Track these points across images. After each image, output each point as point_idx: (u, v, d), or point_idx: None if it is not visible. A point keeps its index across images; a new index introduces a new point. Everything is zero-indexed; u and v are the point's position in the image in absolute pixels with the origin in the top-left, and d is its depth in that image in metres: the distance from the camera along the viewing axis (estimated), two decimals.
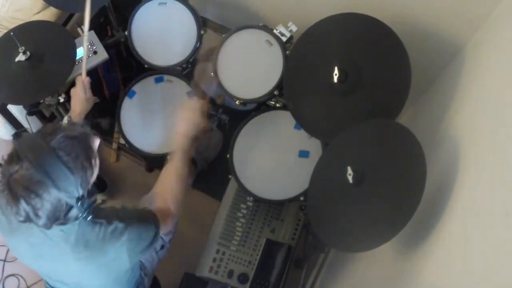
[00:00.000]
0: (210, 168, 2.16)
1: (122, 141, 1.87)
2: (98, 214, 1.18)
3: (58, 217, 1.04)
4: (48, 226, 1.05)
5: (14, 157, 1.01)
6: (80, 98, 1.50)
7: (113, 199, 2.24)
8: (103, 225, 1.17)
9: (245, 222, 1.76)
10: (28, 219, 1.02)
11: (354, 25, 1.43)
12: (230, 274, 1.69)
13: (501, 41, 1.19)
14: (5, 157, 1.03)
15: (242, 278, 1.67)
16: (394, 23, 1.35)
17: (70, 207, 1.05)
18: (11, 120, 1.99)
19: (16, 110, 2.01)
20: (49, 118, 2.20)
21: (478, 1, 1.32)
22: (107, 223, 1.18)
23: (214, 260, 1.71)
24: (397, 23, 1.36)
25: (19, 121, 2.04)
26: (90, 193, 1.11)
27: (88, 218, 1.13)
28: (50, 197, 1.00)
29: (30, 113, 1.98)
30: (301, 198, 1.63)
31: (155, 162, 2.20)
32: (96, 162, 1.11)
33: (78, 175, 1.03)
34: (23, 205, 1.00)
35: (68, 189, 1.02)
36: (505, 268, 0.75)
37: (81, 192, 1.05)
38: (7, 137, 2.11)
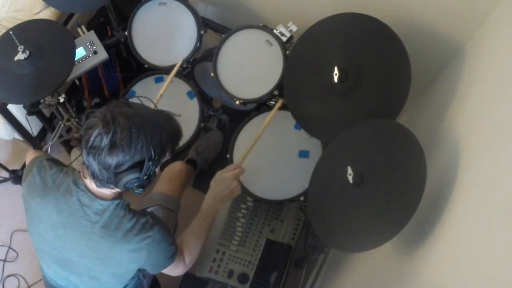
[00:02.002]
0: (210, 168, 2.16)
1: None
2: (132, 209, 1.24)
3: (124, 163, 1.09)
4: (108, 177, 1.11)
5: (123, 103, 1.12)
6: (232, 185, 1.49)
7: None
8: (136, 215, 1.22)
9: (245, 222, 1.76)
10: (100, 151, 1.07)
11: (354, 25, 1.43)
12: (230, 274, 1.69)
13: (501, 41, 1.19)
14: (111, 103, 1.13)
15: (242, 278, 1.67)
16: (394, 23, 1.35)
17: (140, 163, 1.11)
18: (11, 120, 1.99)
19: (16, 110, 2.01)
20: (49, 118, 2.20)
21: (478, 1, 1.32)
22: (141, 215, 1.23)
23: (214, 260, 1.71)
24: (397, 23, 1.36)
25: (19, 121, 2.04)
26: (154, 174, 1.18)
27: (127, 202, 1.21)
28: (136, 140, 1.08)
29: (30, 113, 1.97)
30: (301, 198, 1.63)
31: None
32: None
33: (166, 142, 1.16)
34: (115, 129, 1.06)
35: (154, 145, 1.11)
36: (505, 268, 0.75)
37: (156, 157, 1.13)
38: (7, 137, 2.11)
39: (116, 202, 1.20)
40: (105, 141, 1.06)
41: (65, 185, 1.20)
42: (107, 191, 1.19)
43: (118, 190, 1.19)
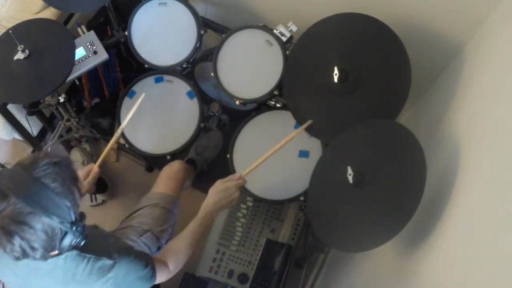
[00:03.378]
0: (210, 168, 2.16)
1: (122, 141, 1.86)
2: (86, 249, 1.15)
3: (54, 246, 1.02)
4: (45, 257, 1.02)
5: None
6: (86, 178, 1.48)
7: (113, 199, 2.24)
8: (91, 260, 1.15)
9: (245, 222, 1.76)
10: (24, 255, 0.98)
11: (354, 25, 1.43)
12: (230, 274, 1.69)
13: (501, 41, 1.19)
14: None
15: (242, 278, 1.67)
16: (394, 23, 1.35)
17: (65, 233, 1.02)
18: (11, 120, 1.99)
19: (16, 110, 2.01)
20: (49, 118, 2.20)
21: (478, 1, 1.32)
22: (95, 259, 1.16)
23: (214, 260, 1.71)
24: (397, 23, 1.36)
25: (19, 121, 2.04)
26: (81, 217, 1.08)
27: (75, 252, 1.11)
28: (44, 226, 0.97)
29: (30, 113, 1.98)
30: (301, 198, 1.63)
31: (155, 162, 2.20)
32: (82, 185, 1.10)
33: (68, 199, 1.00)
34: (17, 240, 0.96)
35: (60, 215, 0.99)
36: (505, 267, 0.75)
37: (73, 216, 1.02)
38: (7, 137, 2.11)
39: (63, 256, 1.11)
40: (20, 250, 0.97)
41: None
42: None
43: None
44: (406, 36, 1.34)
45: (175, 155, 1.81)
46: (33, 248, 0.98)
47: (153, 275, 1.26)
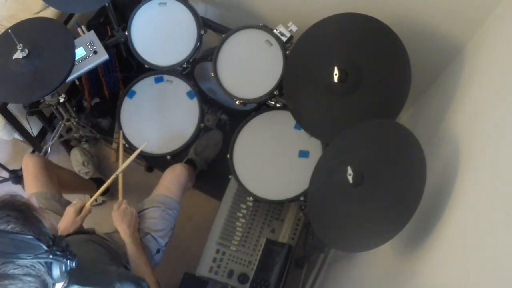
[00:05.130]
0: (210, 168, 2.16)
1: (122, 141, 1.86)
2: (86, 281, 1.11)
3: (44, 281, 0.94)
4: None
5: None
6: (70, 217, 1.49)
7: (114, 199, 2.24)
8: None
9: (245, 222, 1.76)
10: None
11: (354, 25, 1.43)
12: (230, 274, 1.69)
13: (501, 41, 1.19)
14: None
15: (242, 278, 1.67)
16: (394, 23, 1.35)
17: (49, 264, 0.95)
18: (11, 120, 1.99)
19: (16, 110, 2.01)
20: (49, 118, 2.20)
21: (478, 1, 1.32)
22: None
23: (214, 260, 1.71)
24: (397, 23, 1.36)
25: (19, 121, 2.04)
26: (57, 240, 0.99)
27: (77, 287, 1.07)
28: (24, 270, 0.90)
29: (30, 113, 1.98)
30: (301, 198, 1.63)
31: (155, 162, 2.20)
32: (42, 214, 0.99)
33: (30, 233, 0.93)
34: None
35: (32, 250, 0.91)
36: (505, 268, 0.75)
37: (44, 245, 0.94)
38: (7, 137, 2.11)
39: None
40: None
41: None
42: None
43: None
44: (406, 36, 1.34)
45: (175, 155, 1.81)
46: None
47: None
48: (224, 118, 2.24)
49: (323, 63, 1.41)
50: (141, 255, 1.50)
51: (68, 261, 0.98)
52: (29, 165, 1.69)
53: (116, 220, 1.53)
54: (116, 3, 1.96)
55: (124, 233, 1.51)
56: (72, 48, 1.55)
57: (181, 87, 1.88)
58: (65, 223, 1.49)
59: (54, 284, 0.97)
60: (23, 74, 1.49)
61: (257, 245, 1.72)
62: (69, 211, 1.50)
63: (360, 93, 1.36)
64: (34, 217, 0.96)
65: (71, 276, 1.00)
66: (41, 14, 1.96)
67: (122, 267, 1.46)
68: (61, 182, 1.77)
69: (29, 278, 0.90)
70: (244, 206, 1.78)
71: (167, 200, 1.66)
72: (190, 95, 1.87)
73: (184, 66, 1.85)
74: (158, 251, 1.59)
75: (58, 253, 0.95)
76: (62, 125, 2.00)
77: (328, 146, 1.40)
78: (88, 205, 1.55)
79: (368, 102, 1.37)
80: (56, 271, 0.95)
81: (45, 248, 0.93)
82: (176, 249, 1.71)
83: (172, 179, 1.73)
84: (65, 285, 1.04)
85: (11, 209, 0.93)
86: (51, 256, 0.93)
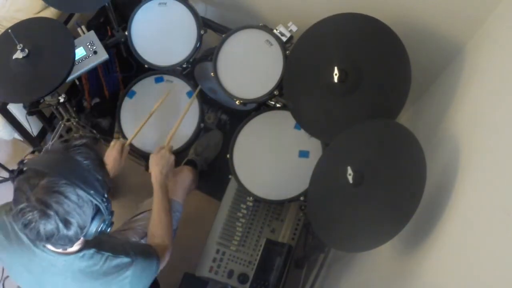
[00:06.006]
0: (210, 168, 2.16)
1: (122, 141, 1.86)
2: (103, 247, 1.17)
3: (86, 222, 1.02)
4: (76, 237, 1.02)
5: (31, 174, 0.98)
6: (115, 158, 1.56)
7: (113, 199, 2.24)
8: (108, 258, 1.17)
9: (245, 222, 1.76)
10: (57, 231, 0.98)
11: (354, 25, 1.43)
12: (230, 274, 1.69)
13: (501, 41, 1.19)
14: (19, 181, 0.99)
15: (242, 278, 1.67)
16: (394, 23, 1.35)
17: (96, 211, 1.04)
18: (11, 120, 1.99)
19: (16, 110, 2.01)
20: (49, 118, 2.20)
21: (478, 1, 1.32)
22: (112, 256, 1.18)
23: (214, 260, 1.71)
24: (397, 23, 1.36)
25: (19, 121, 2.04)
26: (110, 202, 1.09)
27: (93, 250, 1.14)
28: (78, 199, 0.99)
29: (30, 113, 1.97)
30: (301, 198, 1.63)
31: None
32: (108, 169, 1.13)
33: (99, 175, 1.04)
34: (53, 211, 0.96)
35: (93, 188, 1.01)
36: (505, 268, 0.75)
37: (105, 192, 1.05)
38: (7, 137, 2.11)
39: (81, 254, 1.13)
40: (55, 226, 0.97)
41: (26, 246, 1.14)
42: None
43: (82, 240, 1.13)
44: (406, 36, 1.34)
45: (175, 155, 1.81)
46: (67, 223, 0.98)
47: (158, 265, 1.31)
48: (224, 118, 2.24)
49: (323, 63, 1.41)
50: (165, 204, 1.49)
51: (107, 223, 1.09)
52: None
53: (152, 163, 1.55)
54: (116, 3, 1.96)
55: (155, 177, 1.51)
56: (72, 48, 1.55)
57: (181, 87, 1.88)
58: (111, 164, 1.54)
59: (81, 235, 1.04)
60: (23, 74, 1.50)
61: (257, 245, 1.72)
62: (112, 153, 1.56)
63: (360, 93, 1.36)
64: (105, 167, 1.09)
65: (92, 240, 1.10)
66: (41, 14, 1.96)
67: None
68: None
69: (77, 209, 0.99)
70: (244, 206, 1.78)
71: (171, 202, 1.66)
72: (190, 95, 1.87)
73: (184, 66, 1.85)
74: None
75: (109, 206, 1.07)
76: (62, 125, 2.00)
77: (328, 146, 1.40)
78: (127, 144, 1.61)
79: (368, 102, 1.37)
80: (94, 226, 1.05)
81: (104, 195, 1.05)
82: (176, 249, 1.70)
83: (177, 181, 1.74)
84: (81, 246, 1.13)
85: (91, 149, 1.07)
86: (104, 204, 1.04)
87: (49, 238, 0.99)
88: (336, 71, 1.34)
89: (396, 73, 1.36)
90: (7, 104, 1.91)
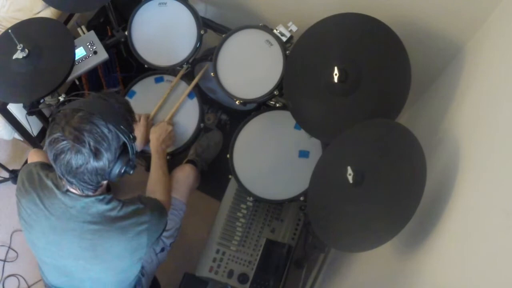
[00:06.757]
0: (210, 168, 2.16)
1: None
2: (119, 197, 1.26)
3: (113, 157, 1.12)
4: (103, 172, 1.12)
5: (68, 110, 1.09)
6: (142, 133, 1.70)
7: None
8: (125, 204, 1.23)
9: (245, 222, 1.76)
10: (86, 162, 1.07)
11: (354, 25, 1.43)
12: (230, 274, 1.69)
13: (501, 41, 1.19)
14: (56, 116, 1.11)
15: (242, 278, 1.67)
16: (394, 23, 1.35)
17: (123, 148, 1.14)
18: (11, 120, 1.99)
19: (16, 110, 2.01)
20: (49, 118, 2.20)
21: (478, 1, 1.32)
22: (129, 203, 1.25)
23: (214, 260, 1.71)
24: (397, 23, 1.36)
25: (19, 121, 2.04)
26: (134, 140, 1.20)
27: (110, 196, 1.21)
28: (110, 132, 1.09)
29: (30, 113, 1.97)
30: (301, 198, 1.63)
31: None
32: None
33: (128, 117, 1.19)
34: (86, 137, 1.06)
35: (122, 123, 1.13)
36: (505, 268, 0.75)
37: (130, 134, 1.15)
38: (7, 137, 2.11)
39: (100, 197, 1.20)
40: (86, 155, 1.07)
41: (49, 189, 1.19)
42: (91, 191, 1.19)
43: (102, 184, 1.20)
44: (406, 36, 1.34)
45: (175, 155, 1.81)
46: (97, 152, 1.08)
47: (167, 218, 1.39)
48: (224, 118, 2.24)
49: (323, 63, 1.42)
50: (162, 165, 1.62)
51: (131, 164, 1.19)
52: (34, 158, 1.69)
53: (150, 132, 1.70)
54: (116, 3, 1.96)
55: (152, 144, 1.66)
56: (72, 48, 1.55)
57: (181, 87, 1.88)
58: (139, 140, 1.68)
59: (107, 174, 1.13)
60: (23, 74, 1.50)
61: (257, 245, 1.72)
62: (140, 129, 1.69)
63: (360, 93, 1.36)
64: (133, 112, 1.25)
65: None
66: (41, 14, 1.96)
67: None
68: None
69: (107, 139, 1.09)
70: (244, 206, 1.78)
71: (174, 201, 1.66)
72: (190, 95, 1.87)
73: (184, 66, 1.85)
74: (162, 249, 1.60)
75: (133, 149, 1.16)
76: None
77: (328, 146, 1.40)
78: (151, 118, 1.76)
79: (368, 102, 1.37)
80: (119, 165, 1.15)
81: (130, 135, 1.15)
82: (176, 249, 1.71)
83: (180, 180, 1.73)
84: (102, 191, 1.22)
85: (123, 99, 1.24)
86: (130, 143, 1.14)
87: (78, 168, 1.07)
88: (336, 71, 1.34)
89: (396, 73, 1.36)
90: (7, 104, 1.91)
